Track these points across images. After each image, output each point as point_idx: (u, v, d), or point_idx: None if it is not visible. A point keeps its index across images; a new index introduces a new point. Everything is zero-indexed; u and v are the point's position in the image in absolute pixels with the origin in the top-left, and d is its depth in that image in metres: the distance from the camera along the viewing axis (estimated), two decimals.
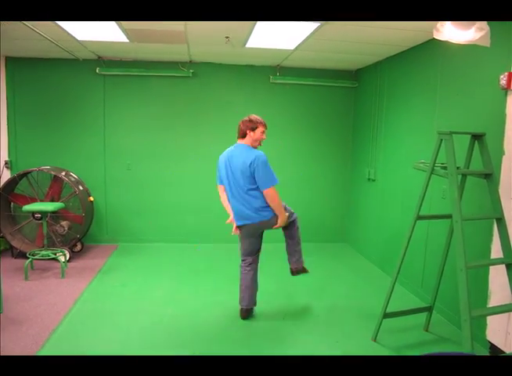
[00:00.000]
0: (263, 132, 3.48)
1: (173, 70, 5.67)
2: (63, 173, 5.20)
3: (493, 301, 3.08)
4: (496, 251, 2.98)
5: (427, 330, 3.48)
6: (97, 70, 5.54)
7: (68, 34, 4.14)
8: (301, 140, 6.06)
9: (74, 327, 3.39)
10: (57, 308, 3.71)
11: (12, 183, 5.13)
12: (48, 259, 4.82)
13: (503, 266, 2.81)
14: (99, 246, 5.75)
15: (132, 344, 3.15)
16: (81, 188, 5.24)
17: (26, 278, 4.39)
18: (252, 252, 3.64)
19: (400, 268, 3.15)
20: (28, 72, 5.49)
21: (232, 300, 3.97)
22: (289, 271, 3.80)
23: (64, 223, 5.20)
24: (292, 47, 4.61)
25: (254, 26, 3.78)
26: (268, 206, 3.44)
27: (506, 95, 2.99)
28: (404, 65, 4.60)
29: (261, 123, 3.46)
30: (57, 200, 5.20)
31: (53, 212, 4.90)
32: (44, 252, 4.67)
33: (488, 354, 3.09)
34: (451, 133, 2.77)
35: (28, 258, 4.53)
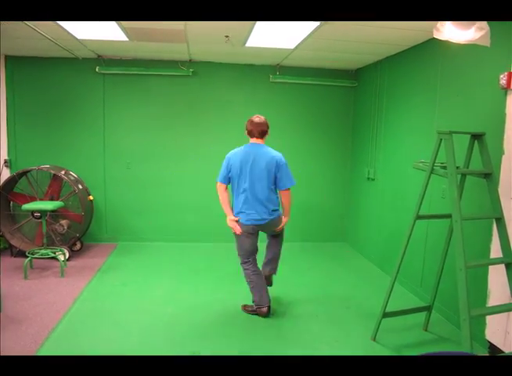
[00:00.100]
0: None
1: (173, 69, 5.66)
2: (63, 172, 5.19)
3: (492, 300, 3.08)
4: (496, 251, 2.99)
5: (426, 330, 3.49)
6: (97, 69, 5.54)
7: (68, 32, 4.13)
8: (300, 139, 6.05)
9: (74, 326, 3.39)
10: (56, 307, 3.71)
11: (11, 182, 5.12)
12: (48, 258, 4.82)
13: (503, 266, 2.81)
14: (98, 245, 5.75)
15: (132, 343, 3.15)
16: (80, 187, 5.24)
17: (25, 277, 4.39)
18: (254, 251, 3.67)
19: (399, 267, 3.16)
20: (28, 71, 5.49)
21: (232, 299, 3.98)
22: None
23: (64, 222, 5.19)
24: (292, 46, 4.61)
25: (254, 25, 3.78)
26: (277, 206, 3.58)
27: (506, 94, 2.99)
28: (404, 64, 4.59)
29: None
30: (56, 199, 5.19)
31: (53, 211, 4.90)
32: (43, 251, 4.66)
33: (487, 353, 3.09)
34: (450, 133, 2.77)
35: (27, 256, 4.53)
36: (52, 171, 5.14)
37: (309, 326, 3.53)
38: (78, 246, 5.37)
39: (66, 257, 4.92)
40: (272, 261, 3.85)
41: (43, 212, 4.63)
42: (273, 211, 3.55)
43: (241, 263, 3.69)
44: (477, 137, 2.92)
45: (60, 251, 4.82)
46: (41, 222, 4.83)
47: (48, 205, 4.60)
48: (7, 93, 5.48)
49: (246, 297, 3.88)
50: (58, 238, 5.20)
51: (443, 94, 3.83)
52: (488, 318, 3.11)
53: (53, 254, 4.69)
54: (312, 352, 3.11)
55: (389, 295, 3.20)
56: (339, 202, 6.24)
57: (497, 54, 3.07)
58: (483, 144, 2.88)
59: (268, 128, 3.60)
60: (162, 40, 4.48)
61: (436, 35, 2.59)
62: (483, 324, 3.15)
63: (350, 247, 6.07)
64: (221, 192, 3.61)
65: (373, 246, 5.32)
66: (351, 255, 5.71)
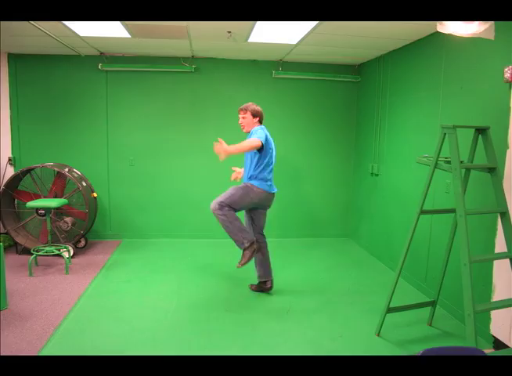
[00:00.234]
0: None
1: (175, 65, 5.65)
2: (66, 169, 5.21)
3: (497, 295, 3.08)
4: (500, 246, 2.97)
5: (430, 325, 3.48)
6: (99, 66, 5.53)
7: (70, 30, 4.13)
8: (303, 135, 6.04)
9: (79, 322, 3.41)
10: (61, 303, 3.73)
11: (15, 180, 5.14)
12: (52, 255, 4.85)
13: (507, 261, 2.81)
14: (102, 242, 5.77)
15: (136, 339, 3.16)
16: (84, 184, 5.26)
17: (30, 274, 4.41)
18: (243, 211, 4.01)
19: (404, 262, 3.15)
20: (30, 68, 5.50)
21: (237, 295, 3.99)
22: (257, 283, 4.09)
23: (68, 219, 5.22)
24: (294, 41, 4.58)
25: (256, 21, 3.76)
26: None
27: (510, 88, 2.97)
28: (407, 59, 4.56)
29: None
30: (60, 197, 5.22)
31: (57, 208, 4.92)
32: (48, 248, 4.69)
33: (492, 348, 3.09)
34: (454, 127, 2.75)
35: (32, 254, 4.55)
36: (56, 169, 5.16)
37: (313, 321, 3.53)
38: (83, 243, 5.40)
39: (71, 254, 4.94)
40: (262, 269, 4.05)
41: (47, 209, 4.65)
42: None
43: (223, 209, 3.62)
44: (481, 131, 2.90)
45: (65, 248, 4.84)
46: (45, 219, 4.85)
47: (53, 202, 4.62)
48: (10, 91, 5.49)
49: (251, 294, 3.88)
50: (62, 235, 5.23)
51: (447, 88, 3.81)
52: (493, 313, 3.11)
53: (58, 252, 4.72)
54: (316, 347, 3.11)
55: (393, 290, 3.19)
56: (343, 197, 6.22)
57: (501, 47, 3.04)
58: (487, 138, 2.86)
59: None
60: (164, 36, 4.48)
61: (440, 29, 2.57)
62: (488, 319, 3.14)
63: (354, 242, 6.06)
64: (254, 148, 3.63)
65: (376, 241, 5.31)
66: (355, 250, 5.70)
